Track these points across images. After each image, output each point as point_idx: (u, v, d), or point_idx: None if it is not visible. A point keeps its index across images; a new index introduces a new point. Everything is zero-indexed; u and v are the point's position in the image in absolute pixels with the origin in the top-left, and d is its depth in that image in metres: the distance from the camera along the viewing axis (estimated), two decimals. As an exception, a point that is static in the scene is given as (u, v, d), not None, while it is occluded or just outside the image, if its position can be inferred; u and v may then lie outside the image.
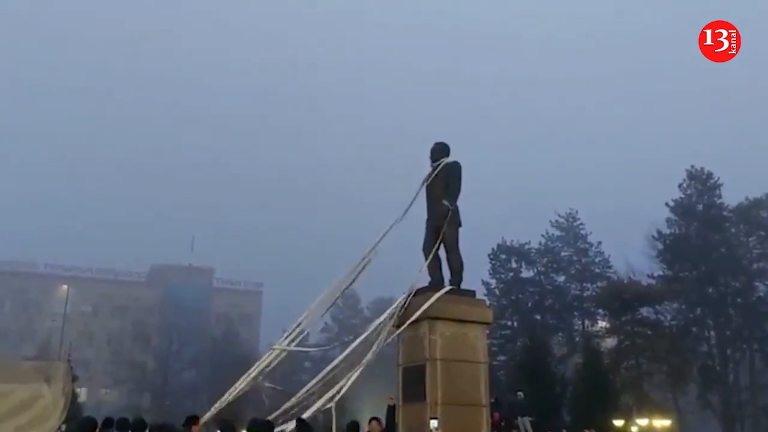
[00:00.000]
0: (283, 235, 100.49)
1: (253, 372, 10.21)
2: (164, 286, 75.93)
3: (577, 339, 46.17)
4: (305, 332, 11.60)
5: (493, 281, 47.80)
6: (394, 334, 10.56)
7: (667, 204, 44.56)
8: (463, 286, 11.15)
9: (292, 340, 11.03)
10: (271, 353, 10.86)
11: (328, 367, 10.44)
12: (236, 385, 10.09)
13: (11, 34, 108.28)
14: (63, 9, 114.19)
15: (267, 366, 10.52)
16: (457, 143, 11.70)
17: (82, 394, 49.06)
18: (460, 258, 11.03)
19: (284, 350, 10.73)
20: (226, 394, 9.79)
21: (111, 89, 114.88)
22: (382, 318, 10.65)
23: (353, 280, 11.24)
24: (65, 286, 63.34)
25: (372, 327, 10.65)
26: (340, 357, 10.48)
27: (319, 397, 10.02)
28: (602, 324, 45.09)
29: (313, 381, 10.35)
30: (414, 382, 10.16)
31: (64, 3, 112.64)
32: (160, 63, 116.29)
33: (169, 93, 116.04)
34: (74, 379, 24.17)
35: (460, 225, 11.08)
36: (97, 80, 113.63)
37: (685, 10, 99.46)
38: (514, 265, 48.34)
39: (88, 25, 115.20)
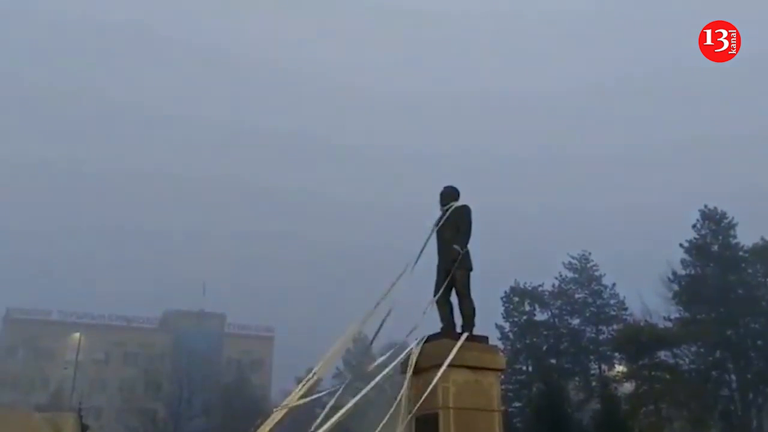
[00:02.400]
0: (294, 280, 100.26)
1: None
2: (176, 332, 75.80)
3: (594, 384, 45.39)
4: (316, 379, 11.33)
5: (506, 325, 47.38)
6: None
7: (681, 245, 44.17)
8: (477, 329, 10.93)
9: (303, 395, 10.74)
10: (279, 410, 10.53)
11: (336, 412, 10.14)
12: None
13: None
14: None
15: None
16: (467, 186, 11.63)
17: (93, 443, 48.55)
18: (472, 303, 10.86)
19: (294, 406, 10.41)
20: None
21: (119, 137, 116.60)
22: (392, 365, 10.43)
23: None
24: (77, 334, 63.35)
25: (382, 374, 10.40)
26: (350, 404, 10.24)
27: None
28: (619, 368, 44.37)
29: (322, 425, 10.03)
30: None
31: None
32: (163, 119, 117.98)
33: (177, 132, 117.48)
34: (85, 428, 23.93)
35: (471, 269, 10.93)
36: (107, 130, 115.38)
37: (685, 13, 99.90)
38: (527, 308, 47.97)
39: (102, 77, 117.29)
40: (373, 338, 11.07)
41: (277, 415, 9.94)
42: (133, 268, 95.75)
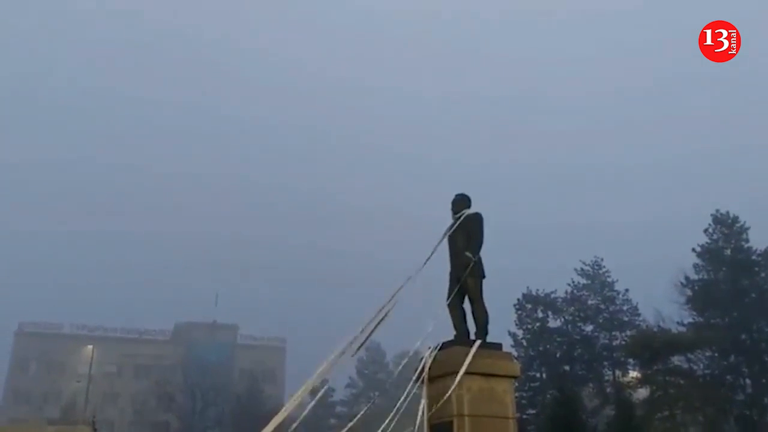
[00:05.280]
0: (306, 290, 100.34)
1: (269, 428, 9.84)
2: (188, 343, 75.91)
3: (608, 390, 45.11)
4: (326, 386, 11.32)
5: (519, 332, 47.19)
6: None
7: (693, 249, 43.92)
8: (490, 337, 10.91)
9: (313, 392, 10.75)
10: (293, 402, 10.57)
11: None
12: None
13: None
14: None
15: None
16: (480, 194, 11.63)
17: (106, 456, 48.65)
18: (485, 310, 10.84)
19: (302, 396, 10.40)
20: None
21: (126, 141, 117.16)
22: (413, 380, 10.41)
23: (373, 330, 10.94)
24: (90, 347, 63.58)
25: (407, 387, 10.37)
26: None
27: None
28: (633, 374, 44.10)
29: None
30: (442, 440, 9.88)
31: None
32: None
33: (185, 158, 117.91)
34: (98, 441, 23.98)
35: (483, 276, 10.91)
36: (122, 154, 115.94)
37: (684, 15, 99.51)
38: (540, 314, 47.76)
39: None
40: (362, 344, 10.96)
41: (279, 417, 9.91)
42: (145, 280, 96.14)
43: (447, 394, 9.74)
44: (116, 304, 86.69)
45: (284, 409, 10.20)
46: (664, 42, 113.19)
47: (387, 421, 9.83)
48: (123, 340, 77.88)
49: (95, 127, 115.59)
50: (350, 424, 10.82)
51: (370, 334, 10.88)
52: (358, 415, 11.64)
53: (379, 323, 10.68)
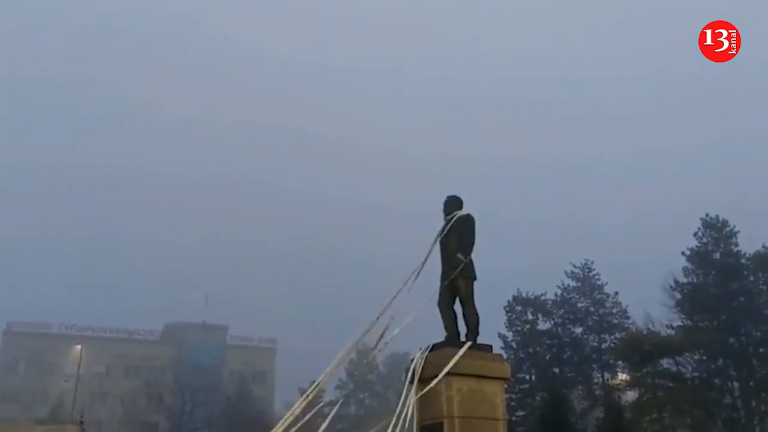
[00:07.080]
0: (296, 291, 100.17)
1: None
2: (178, 344, 75.63)
3: (597, 392, 45.29)
4: (318, 390, 11.33)
5: (509, 334, 47.30)
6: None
7: (683, 253, 44.17)
8: (480, 339, 10.96)
9: (309, 402, 10.79)
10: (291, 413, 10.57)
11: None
12: None
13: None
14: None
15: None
16: (470, 194, 11.66)
17: (95, 456, 48.41)
18: (476, 312, 10.87)
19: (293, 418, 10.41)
20: None
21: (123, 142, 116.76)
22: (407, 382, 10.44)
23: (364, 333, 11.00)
24: (79, 347, 63.23)
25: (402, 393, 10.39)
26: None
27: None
28: (622, 376, 44.31)
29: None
30: (432, 441, 9.91)
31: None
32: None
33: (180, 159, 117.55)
34: (87, 441, 23.95)
35: (474, 278, 10.94)
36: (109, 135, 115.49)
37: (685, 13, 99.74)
38: (530, 317, 47.88)
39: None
40: (374, 347, 11.04)
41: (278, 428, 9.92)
42: (135, 280, 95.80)
43: (438, 393, 9.75)
44: (106, 304, 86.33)
45: (290, 412, 10.20)
46: (663, 42, 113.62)
47: (392, 425, 9.84)
48: (112, 340, 77.42)
49: (87, 128, 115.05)
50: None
51: (362, 336, 10.91)
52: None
53: (370, 329, 10.72)
